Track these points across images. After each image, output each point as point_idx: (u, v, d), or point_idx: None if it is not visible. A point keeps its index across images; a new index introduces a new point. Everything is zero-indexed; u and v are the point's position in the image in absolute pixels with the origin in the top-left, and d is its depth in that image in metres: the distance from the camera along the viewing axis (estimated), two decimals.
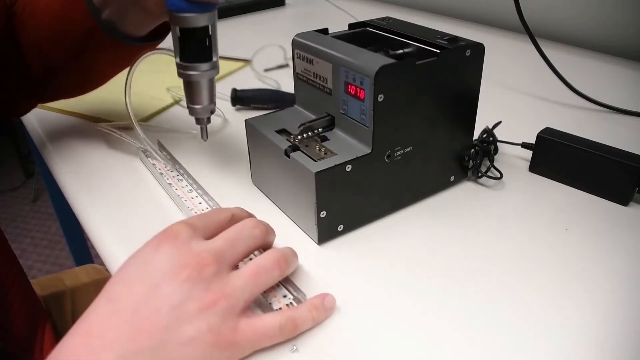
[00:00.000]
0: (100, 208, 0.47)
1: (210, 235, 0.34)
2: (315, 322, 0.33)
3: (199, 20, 0.38)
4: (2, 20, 0.50)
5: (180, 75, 0.41)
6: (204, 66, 0.40)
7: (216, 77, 0.42)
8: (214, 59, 0.41)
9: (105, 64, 0.52)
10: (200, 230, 0.33)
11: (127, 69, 0.49)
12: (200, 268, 0.30)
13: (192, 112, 0.43)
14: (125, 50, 0.49)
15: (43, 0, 0.50)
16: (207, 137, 0.45)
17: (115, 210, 0.46)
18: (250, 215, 0.39)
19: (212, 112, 0.43)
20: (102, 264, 0.53)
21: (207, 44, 0.39)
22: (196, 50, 0.39)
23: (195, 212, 0.44)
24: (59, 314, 0.67)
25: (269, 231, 0.37)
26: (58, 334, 0.63)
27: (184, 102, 0.66)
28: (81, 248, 1.27)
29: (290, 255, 0.35)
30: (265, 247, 0.37)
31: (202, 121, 0.44)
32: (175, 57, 0.40)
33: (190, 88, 0.41)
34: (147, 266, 0.31)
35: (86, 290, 0.71)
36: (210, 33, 0.39)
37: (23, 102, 0.55)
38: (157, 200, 0.47)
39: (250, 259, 0.35)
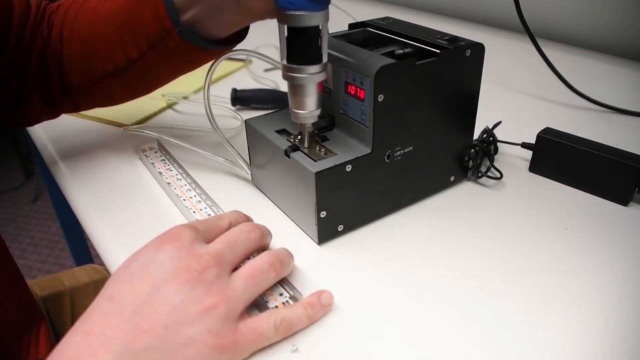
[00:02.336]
0: (100, 208, 0.47)
1: (211, 240, 0.34)
2: (311, 320, 0.33)
3: (313, 19, 0.35)
4: (30, 28, 0.46)
5: (286, 77, 0.38)
6: (313, 69, 0.37)
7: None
8: (324, 60, 0.38)
9: (168, 70, 0.47)
10: (202, 234, 0.34)
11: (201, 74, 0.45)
12: (201, 270, 0.31)
13: (295, 117, 0.40)
14: (196, 55, 0.44)
15: (92, 3, 0.46)
16: (308, 145, 0.41)
17: (115, 210, 0.46)
18: (247, 219, 0.39)
19: (318, 117, 0.40)
20: (102, 264, 0.53)
21: (319, 44, 0.37)
22: (306, 51, 0.37)
23: (194, 212, 0.44)
24: (58, 315, 0.67)
25: (265, 234, 0.37)
26: (57, 335, 0.63)
27: (180, 106, 0.67)
28: (81, 248, 1.27)
29: (284, 256, 0.36)
30: (262, 249, 0.37)
31: (306, 127, 0.40)
32: (282, 59, 0.37)
33: (297, 92, 0.38)
34: (149, 266, 0.31)
35: (85, 291, 0.71)
36: (321, 33, 0.36)
37: (45, 113, 0.51)
38: (157, 200, 0.47)
39: (249, 259, 0.35)
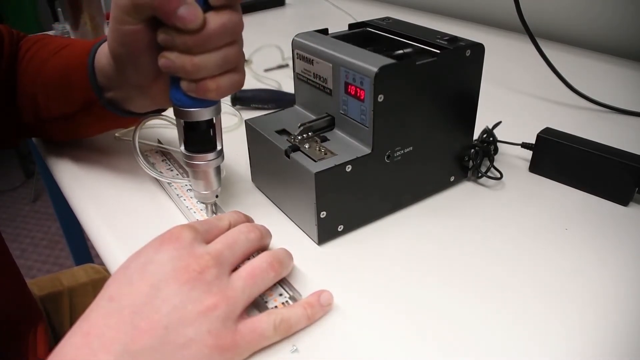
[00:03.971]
0: (100, 208, 0.47)
1: (210, 240, 0.34)
2: (310, 320, 0.33)
3: (203, 114, 0.38)
4: (7, 56, 0.50)
5: (185, 165, 0.41)
6: (210, 156, 0.40)
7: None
8: (219, 147, 0.41)
9: (97, 128, 0.52)
10: (202, 234, 0.34)
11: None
12: (201, 270, 0.31)
13: (198, 197, 0.43)
14: (121, 121, 0.48)
15: (47, 51, 0.49)
16: (212, 215, 0.44)
17: (115, 210, 0.46)
18: (247, 219, 0.39)
19: (217, 195, 0.43)
20: (102, 263, 0.53)
21: (212, 134, 0.40)
22: (201, 141, 0.40)
23: (194, 212, 0.44)
24: (57, 314, 0.67)
25: (264, 234, 0.37)
26: (55, 335, 0.63)
27: None
28: (81, 248, 1.27)
29: (283, 256, 0.36)
30: (261, 249, 0.37)
31: (209, 202, 0.43)
32: (180, 146, 0.40)
33: (197, 176, 0.41)
34: (148, 266, 0.31)
35: (84, 290, 0.71)
36: (214, 123, 0.39)
37: (12, 137, 0.54)
38: (157, 199, 0.47)
39: (249, 259, 0.35)
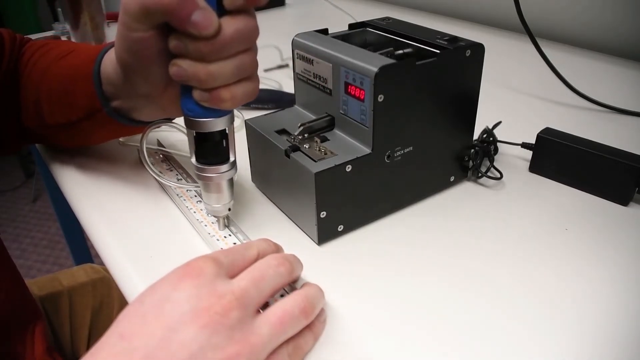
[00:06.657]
0: (100, 208, 0.47)
1: (235, 273, 0.31)
2: (316, 339, 0.32)
3: (215, 124, 0.36)
4: (7, 58, 0.49)
5: (197, 177, 0.39)
6: (223, 167, 0.39)
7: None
8: (232, 158, 0.39)
9: (101, 136, 0.50)
10: (226, 267, 0.31)
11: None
12: (223, 312, 0.27)
13: (210, 210, 0.41)
14: (126, 129, 0.47)
15: (51, 56, 0.48)
16: (224, 228, 0.42)
17: (114, 210, 0.46)
18: (277, 249, 0.36)
19: (230, 209, 0.41)
20: (102, 263, 0.53)
21: (224, 145, 0.38)
22: (213, 152, 0.38)
23: (194, 212, 0.44)
24: (57, 314, 0.67)
25: (295, 266, 0.34)
26: (55, 334, 0.63)
27: None
28: (81, 248, 1.27)
29: (316, 298, 0.33)
30: (291, 282, 0.35)
31: (220, 217, 0.42)
32: (191, 157, 0.39)
33: (209, 189, 0.40)
34: (165, 304, 0.28)
35: (84, 290, 0.71)
36: (227, 133, 0.38)
37: (14, 142, 0.53)
38: (157, 199, 0.47)
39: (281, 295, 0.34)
